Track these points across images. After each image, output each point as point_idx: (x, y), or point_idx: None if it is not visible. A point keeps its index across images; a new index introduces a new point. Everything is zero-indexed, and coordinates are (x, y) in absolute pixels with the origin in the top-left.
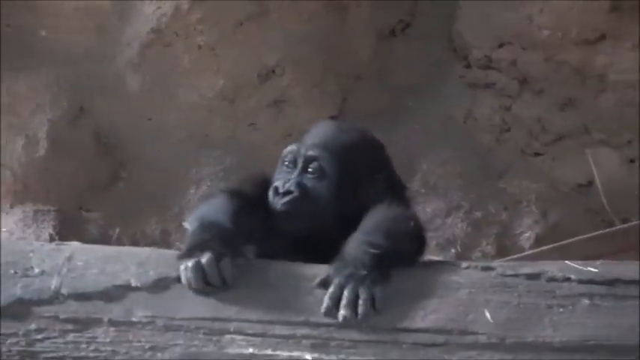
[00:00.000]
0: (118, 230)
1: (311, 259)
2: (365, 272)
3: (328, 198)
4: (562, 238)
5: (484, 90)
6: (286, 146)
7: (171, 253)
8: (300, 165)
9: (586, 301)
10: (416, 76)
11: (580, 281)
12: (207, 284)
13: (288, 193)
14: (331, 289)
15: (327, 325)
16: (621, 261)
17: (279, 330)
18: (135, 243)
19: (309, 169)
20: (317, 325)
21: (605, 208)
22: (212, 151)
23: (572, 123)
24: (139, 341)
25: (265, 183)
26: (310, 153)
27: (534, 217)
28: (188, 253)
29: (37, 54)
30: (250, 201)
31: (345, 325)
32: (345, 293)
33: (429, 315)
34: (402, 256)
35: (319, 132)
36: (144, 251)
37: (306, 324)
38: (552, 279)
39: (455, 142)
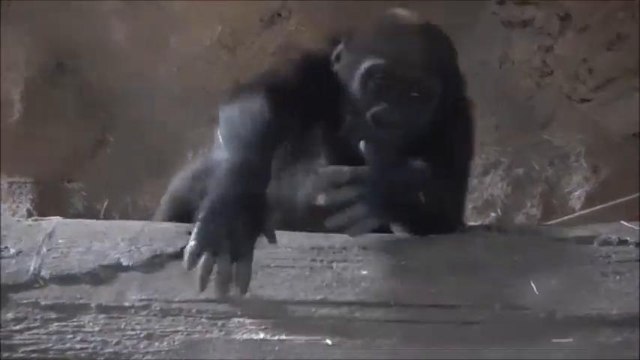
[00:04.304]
0: (105, 203)
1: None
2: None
3: (426, 124)
4: (616, 196)
5: (521, 29)
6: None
7: (166, 227)
8: (399, 88)
9: None
10: (442, 15)
11: (638, 244)
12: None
13: (393, 125)
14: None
15: (349, 304)
16: None
17: (294, 311)
18: (125, 216)
19: (412, 94)
20: (337, 305)
21: None
22: (212, 108)
23: (622, 64)
24: (133, 329)
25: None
26: (414, 76)
27: (584, 173)
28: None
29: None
30: (292, 98)
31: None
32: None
33: (468, 289)
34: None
35: (410, 45)
36: (135, 225)
37: (324, 303)
38: (607, 242)
39: (490, 90)
